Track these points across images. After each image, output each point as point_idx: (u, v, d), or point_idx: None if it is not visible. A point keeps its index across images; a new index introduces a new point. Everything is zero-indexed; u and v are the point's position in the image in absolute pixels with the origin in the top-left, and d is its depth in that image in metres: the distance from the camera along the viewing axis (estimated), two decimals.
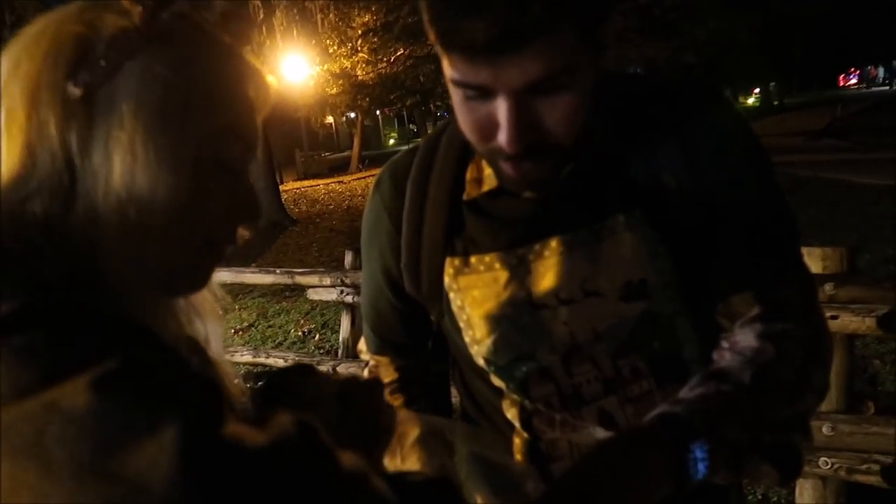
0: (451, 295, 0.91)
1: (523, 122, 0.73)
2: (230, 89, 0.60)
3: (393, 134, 47.82)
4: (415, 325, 1.00)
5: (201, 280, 0.64)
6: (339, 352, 4.02)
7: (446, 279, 0.91)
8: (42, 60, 0.55)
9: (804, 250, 2.75)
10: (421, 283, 0.94)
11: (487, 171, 0.89)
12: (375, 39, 17.40)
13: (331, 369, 3.76)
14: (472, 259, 0.89)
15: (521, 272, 0.87)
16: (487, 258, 0.89)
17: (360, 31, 17.21)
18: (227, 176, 0.61)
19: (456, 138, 0.91)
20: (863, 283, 2.46)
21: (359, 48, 17.58)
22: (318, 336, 5.68)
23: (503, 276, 0.88)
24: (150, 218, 0.55)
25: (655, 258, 0.84)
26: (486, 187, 0.89)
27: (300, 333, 5.84)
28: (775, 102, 40.62)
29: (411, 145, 1.01)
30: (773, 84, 42.83)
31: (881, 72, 57.39)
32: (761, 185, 0.86)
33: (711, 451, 0.69)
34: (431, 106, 24.56)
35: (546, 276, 0.87)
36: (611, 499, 0.66)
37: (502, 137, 0.74)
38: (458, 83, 0.74)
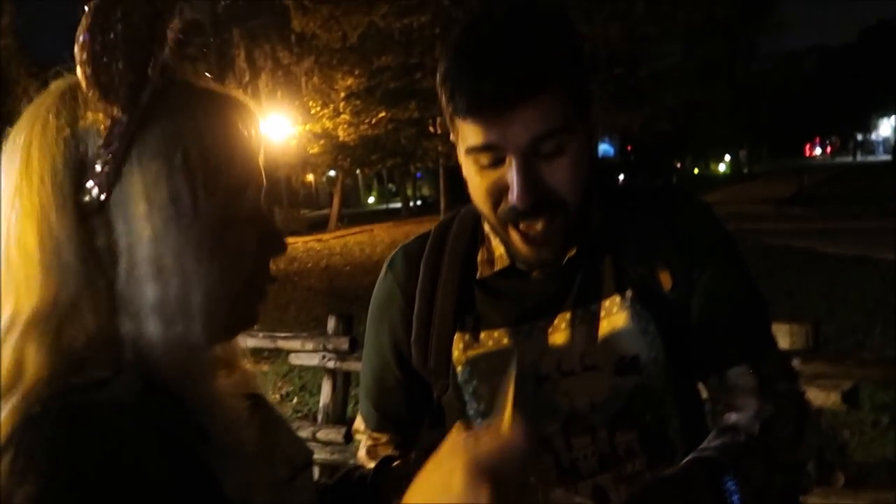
0: (460, 368, 0.98)
1: (531, 179, 0.84)
2: (230, 144, 0.61)
3: (373, 193, 48.20)
4: (417, 400, 1.05)
5: (252, 319, 0.67)
6: (319, 417, 4.02)
7: (455, 353, 0.98)
8: (42, 186, 0.56)
9: (773, 325, 2.86)
10: (429, 357, 1.00)
11: (499, 252, 0.99)
12: (358, 102, 17.81)
13: (310, 435, 3.76)
14: (482, 334, 0.98)
15: (527, 346, 0.96)
16: (496, 333, 0.98)
17: (343, 94, 17.62)
18: (248, 223, 0.63)
19: (466, 224, 1.03)
20: (828, 358, 2.57)
21: (341, 110, 17.95)
22: (296, 399, 5.65)
23: (510, 350, 0.96)
24: (193, 298, 0.57)
25: (646, 336, 0.94)
26: (497, 266, 0.99)
27: (278, 396, 5.80)
28: (745, 170, 41.84)
29: (429, 229, 1.09)
30: (743, 152, 44.22)
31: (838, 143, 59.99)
32: (743, 273, 1.00)
33: (740, 486, 0.80)
34: (412, 167, 24.94)
35: (549, 351, 0.96)
36: None
37: (513, 196, 0.84)
38: (472, 149, 0.86)
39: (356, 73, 17.04)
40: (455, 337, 0.98)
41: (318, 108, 17.87)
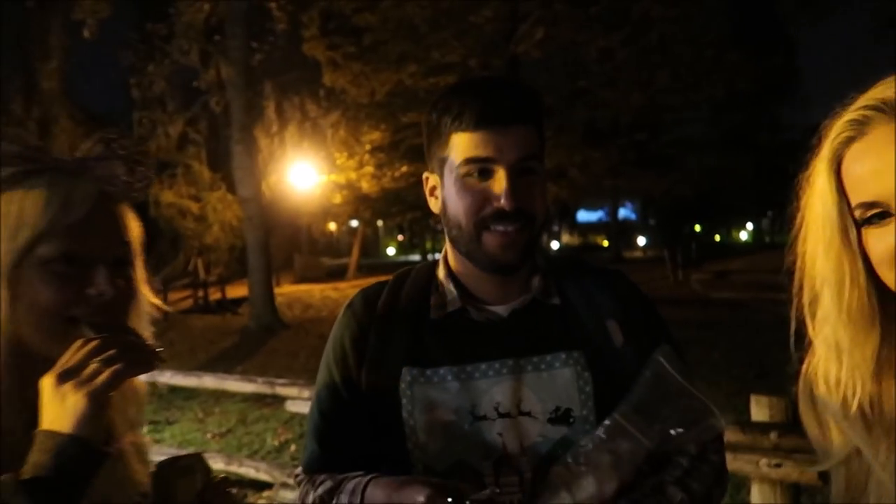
0: (404, 401, 1.08)
1: (516, 188, 1.03)
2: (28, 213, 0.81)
3: (392, 243, 48.59)
4: (361, 435, 1.10)
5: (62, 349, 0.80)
6: None
7: (402, 386, 1.08)
8: None
9: (753, 398, 2.89)
10: (378, 389, 1.09)
11: (452, 296, 1.13)
12: (382, 156, 18.16)
13: None
14: (428, 371, 1.08)
15: (469, 386, 1.07)
16: (442, 370, 1.08)
17: (368, 147, 17.99)
18: (55, 273, 0.82)
19: (423, 274, 1.19)
20: (806, 434, 2.57)
21: (365, 162, 18.30)
22: (294, 447, 5.67)
23: (454, 387, 1.07)
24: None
25: (582, 394, 1.07)
26: (450, 309, 1.12)
27: (276, 443, 5.82)
28: (767, 239, 41.58)
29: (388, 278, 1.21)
30: (765, 221, 44.04)
31: None
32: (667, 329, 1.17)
33: None
34: (431, 221, 25.19)
35: (490, 392, 1.07)
36: None
37: (501, 201, 1.03)
38: (470, 160, 1.05)
39: (382, 127, 17.44)
40: (403, 371, 1.08)
41: (344, 160, 18.23)
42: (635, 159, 19.92)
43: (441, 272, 1.16)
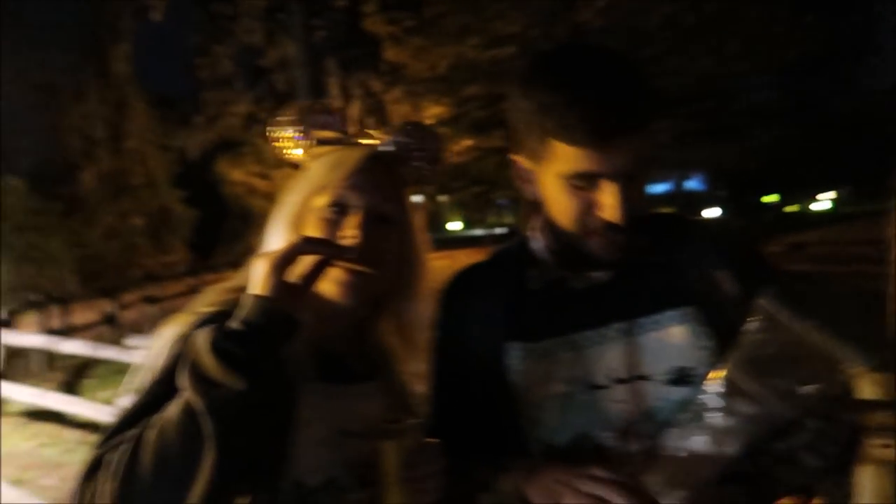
0: (513, 378, 1.04)
1: (626, 201, 0.96)
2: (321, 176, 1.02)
3: (456, 218, 48.65)
4: (479, 412, 1.08)
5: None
6: None
7: (513, 363, 1.05)
8: None
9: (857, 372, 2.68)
10: (487, 365, 1.07)
11: (550, 266, 1.09)
12: (444, 130, 18.12)
13: None
14: (534, 344, 1.05)
15: (580, 355, 1.03)
16: (549, 343, 1.04)
17: (430, 122, 18.00)
18: (324, 218, 0.99)
19: (515, 251, 1.14)
20: None
21: None
22: None
23: (565, 358, 1.03)
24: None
25: (702, 351, 1.00)
26: (551, 277, 1.08)
27: None
28: (845, 209, 39.71)
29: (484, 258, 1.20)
30: (843, 190, 42.06)
31: None
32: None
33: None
34: (494, 195, 25.07)
35: (603, 359, 1.02)
36: None
37: (611, 214, 0.96)
38: (572, 175, 0.97)
39: (444, 101, 17.37)
40: (507, 347, 1.05)
41: None
42: (703, 129, 19.23)
43: (537, 244, 1.11)
